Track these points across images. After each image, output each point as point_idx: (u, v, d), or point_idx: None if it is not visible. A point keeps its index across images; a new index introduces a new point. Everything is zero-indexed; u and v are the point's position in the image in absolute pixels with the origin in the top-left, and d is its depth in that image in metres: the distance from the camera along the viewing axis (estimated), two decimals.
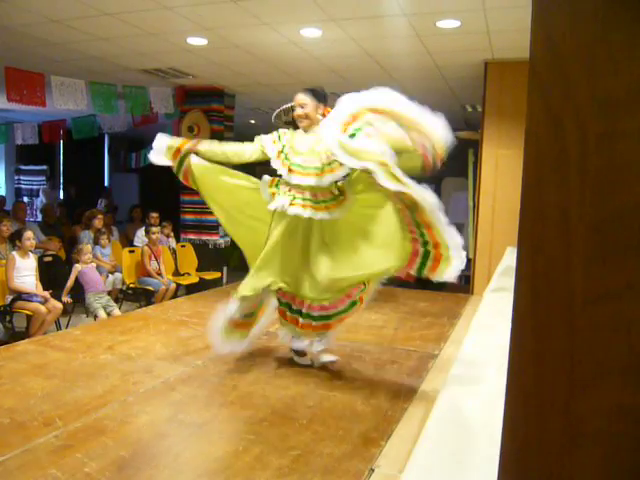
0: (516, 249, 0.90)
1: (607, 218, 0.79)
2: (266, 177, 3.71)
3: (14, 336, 5.77)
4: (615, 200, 0.78)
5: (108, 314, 6.50)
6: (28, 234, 6.17)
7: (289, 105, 3.98)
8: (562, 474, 0.88)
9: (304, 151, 3.61)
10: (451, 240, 3.14)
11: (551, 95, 0.82)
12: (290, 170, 3.59)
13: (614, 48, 0.77)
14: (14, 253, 6.06)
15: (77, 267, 6.68)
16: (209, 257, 8.95)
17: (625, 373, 0.81)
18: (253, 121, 11.68)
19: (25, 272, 6.08)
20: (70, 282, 6.59)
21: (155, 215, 8.52)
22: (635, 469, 0.84)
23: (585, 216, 0.79)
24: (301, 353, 3.88)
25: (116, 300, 7.52)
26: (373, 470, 2.49)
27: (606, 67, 0.77)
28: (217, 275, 8.82)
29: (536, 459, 0.90)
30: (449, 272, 3.20)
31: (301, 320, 3.69)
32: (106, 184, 15.13)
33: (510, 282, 0.93)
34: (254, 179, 3.79)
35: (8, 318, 6.02)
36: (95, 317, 6.53)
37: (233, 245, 5.12)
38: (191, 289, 7.98)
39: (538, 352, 0.87)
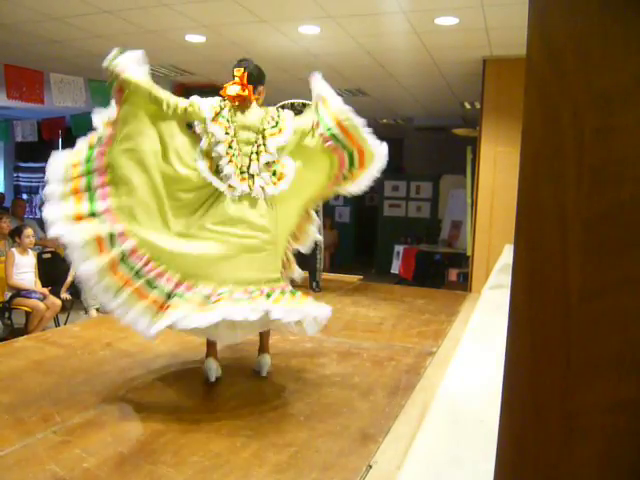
0: (513, 245, 0.90)
1: (603, 213, 0.79)
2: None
3: (13, 332, 5.78)
4: (611, 195, 0.78)
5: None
6: (28, 231, 6.18)
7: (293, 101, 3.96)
8: (559, 469, 0.88)
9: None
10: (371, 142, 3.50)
11: (548, 90, 0.82)
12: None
13: (610, 44, 0.77)
14: (13, 250, 6.07)
15: None
16: None
17: (621, 368, 0.82)
18: None
19: (24, 269, 6.09)
20: (70, 278, 6.59)
21: None
22: (632, 463, 0.84)
23: (581, 211, 0.80)
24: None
25: None
26: (371, 466, 2.50)
27: (602, 62, 0.78)
28: None
29: (533, 454, 0.90)
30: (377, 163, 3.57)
31: None
32: None
33: (508, 279, 0.94)
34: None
35: (7, 315, 6.04)
36: (86, 312, 6.57)
37: None
38: None
39: (534, 347, 0.87)
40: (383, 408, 3.14)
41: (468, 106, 9.61)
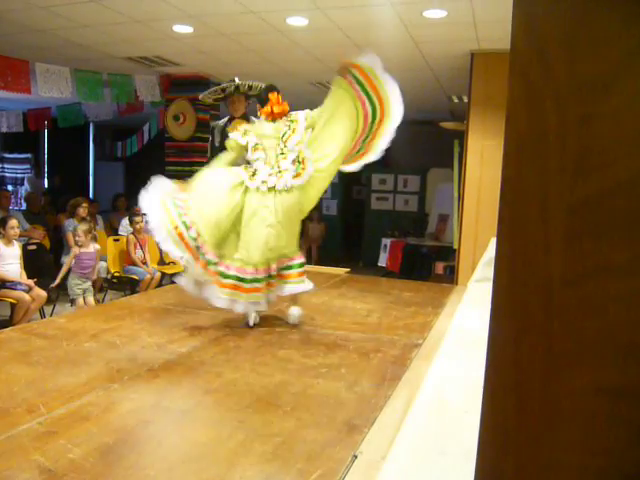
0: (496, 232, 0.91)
1: (585, 199, 0.80)
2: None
3: None
4: (593, 182, 0.79)
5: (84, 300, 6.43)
6: (13, 222, 6.13)
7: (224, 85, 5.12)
8: (540, 453, 0.89)
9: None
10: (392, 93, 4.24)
11: (532, 78, 0.82)
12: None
13: (592, 31, 0.78)
14: None
15: (76, 250, 6.52)
16: None
17: (602, 353, 0.83)
18: None
19: (9, 260, 6.05)
20: (66, 267, 6.46)
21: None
22: (613, 447, 0.85)
23: (564, 197, 0.80)
24: None
25: (101, 289, 7.49)
26: (356, 456, 2.51)
27: (585, 50, 0.78)
28: None
29: (515, 438, 0.91)
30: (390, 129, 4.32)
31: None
32: (91, 173, 15.04)
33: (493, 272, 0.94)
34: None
35: None
36: (72, 302, 6.49)
37: None
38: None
39: (516, 333, 0.88)
40: (369, 399, 3.15)
41: (456, 100, 9.62)
